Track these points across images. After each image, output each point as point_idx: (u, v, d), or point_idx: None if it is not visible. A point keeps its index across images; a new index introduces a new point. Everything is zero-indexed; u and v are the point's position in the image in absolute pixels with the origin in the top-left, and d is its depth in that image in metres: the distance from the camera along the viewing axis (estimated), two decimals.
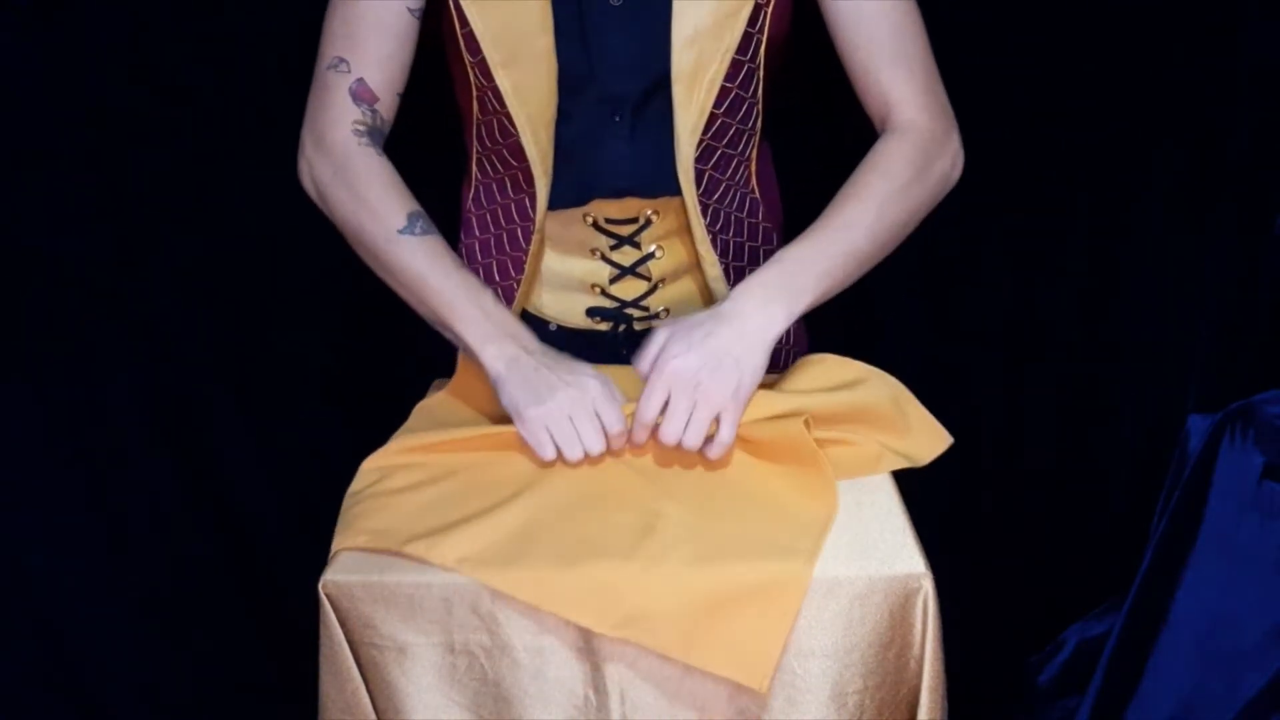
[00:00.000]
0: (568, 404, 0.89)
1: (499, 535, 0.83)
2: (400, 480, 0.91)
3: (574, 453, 0.89)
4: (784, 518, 0.84)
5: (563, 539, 0.82)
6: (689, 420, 0.87)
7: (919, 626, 0.79)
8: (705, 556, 0.79)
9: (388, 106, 1.03)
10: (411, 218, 0.97)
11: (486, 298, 0.96)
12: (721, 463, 0.90)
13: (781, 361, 1.21)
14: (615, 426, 0.89)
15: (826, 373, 0.96)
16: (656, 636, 0.76)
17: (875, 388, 0.94)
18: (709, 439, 0.89)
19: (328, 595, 0.80)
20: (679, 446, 0.88)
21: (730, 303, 0.91)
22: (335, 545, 0.85)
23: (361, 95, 1.00)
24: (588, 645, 0.79)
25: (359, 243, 1.00)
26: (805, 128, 1.30)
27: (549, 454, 0.89)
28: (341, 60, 1.00)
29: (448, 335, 0.98)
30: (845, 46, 1.03)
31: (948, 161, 1.02)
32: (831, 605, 0.77)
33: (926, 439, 0.93)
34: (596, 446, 0.89)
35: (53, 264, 1.22)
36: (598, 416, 0.89)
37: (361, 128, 1.01)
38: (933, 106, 1.02)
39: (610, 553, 0.80)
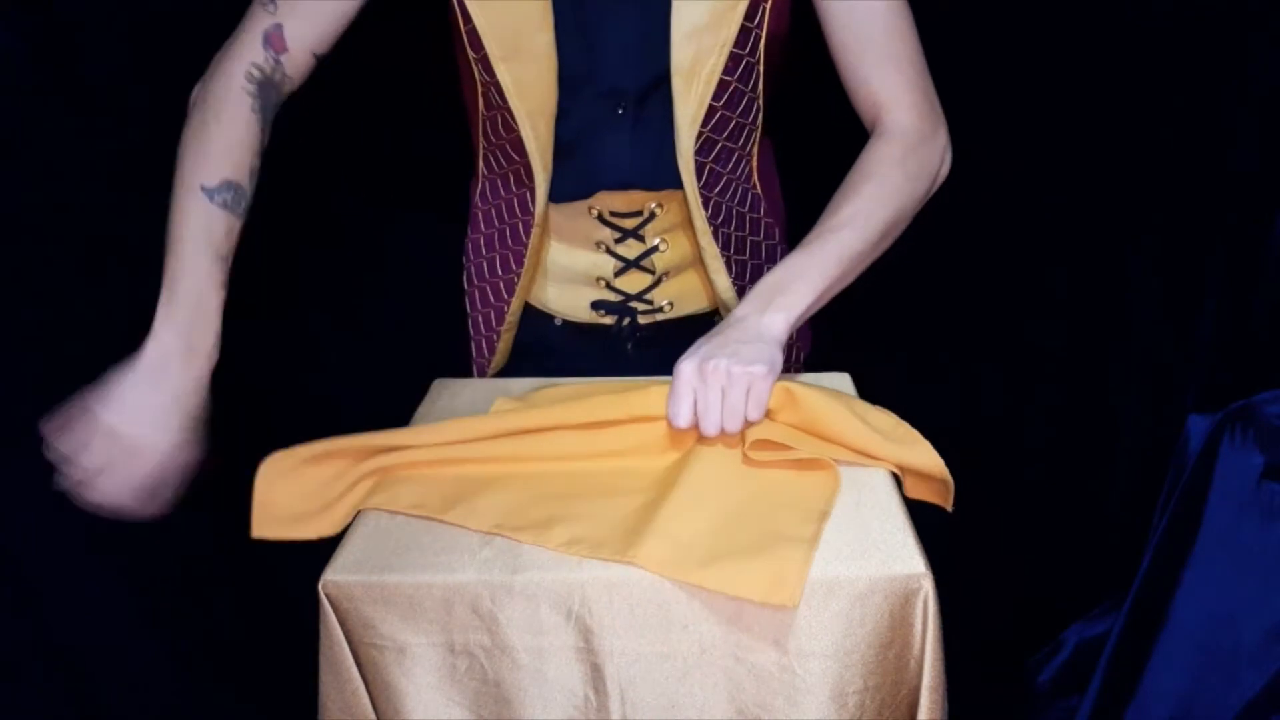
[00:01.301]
0: (100, 448, 0.87)
1: (525, 499, 0.86)
2: (405, 457, 0.92)
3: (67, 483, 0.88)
4: (793, 482, 0.88)
5: (584, 499, 0.86)
6: (724, 408, 0.87)
7: (919, 626, 0.79)
8: (727, 504, 0.83)
9: (296, 64, 1.00)
10: (224, 184, 0.95)
11: (211, 299, 0.93)
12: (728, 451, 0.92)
13: (790, 357, 1.22)
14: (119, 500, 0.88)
15: (869, 415, 0.95)
16: (704, 576, 0.77)
17: (905, 442, 0.93)
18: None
19: (328, 595, 0.80)
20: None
21: (732, 314, 0.93)
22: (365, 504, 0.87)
23: (272, 41, 0.98)
24: (587, 645, 0.79)
25: (174, 179, 0.96)
26: (808, 125, 1.30)
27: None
28: (272, 1, 0.98)
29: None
30: (837, 46, 1.04)
31: (936, 160, 1.04)
32: (831, 605, 0.77)
33: (925, 485, 0.93)
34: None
35: (53, 262, 1.22)
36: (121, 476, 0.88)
37: (255, 73, 0.98)
38: (921, 106, 1.04)
39: (641, 507, 0.84)
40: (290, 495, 0.91)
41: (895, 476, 0.91)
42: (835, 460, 0.90)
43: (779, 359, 0.90)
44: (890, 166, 1.00)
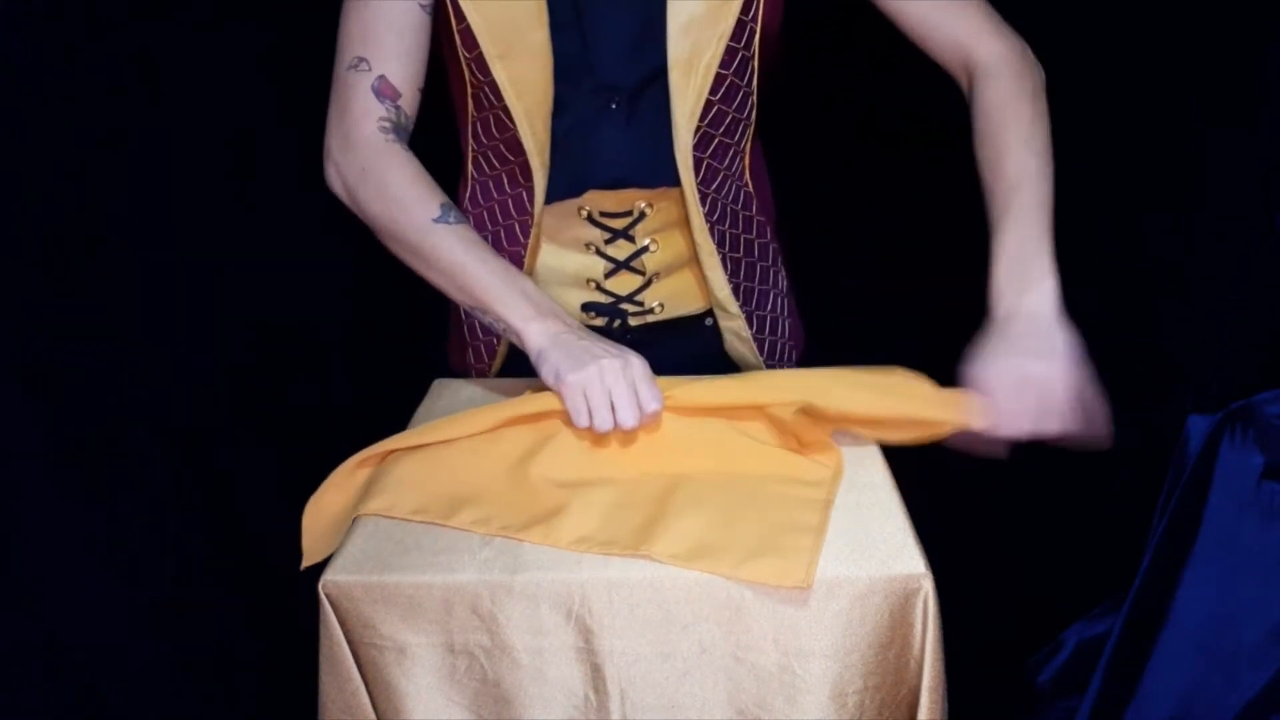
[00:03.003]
0: (609, 374, 0.89)
1: (528, 499, 0.86)
2: (404, 460, 0.93)
3: (605, 422, 0.89)
4: (796, 466, 0.89)
5: (592, 496, 0.86)
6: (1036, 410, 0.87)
7: (919, 626, 0.79)
8: (732, 496, 0.85)
9: (410, 102, 1.04)
10: (444, 208, 0.99)
11: (525, 281, 0.98)
12: (726, 444, 0.92)
13: (779, 356, 1.22)
14: (652, 405, 0.89)
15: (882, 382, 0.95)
16: (717, 564, 0.79)
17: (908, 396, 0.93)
18: None
19: (328, 595, 0.80)
20: None
21: (1000, 309, 0.92)
22: (361, 509, 0.87)
23: (384, 92, 1.02)
24: (588, 645, 0.79)
25: (392, 236, 1.01)
26: (797, 125, 1.30)
27: (583, 421, 0.89)
28: (361, 60, 1.01)
29: (487, 319, 0.99)
30: (901, 5, 1.05)
31: (1039, 72, 1.05)
32: (831, 605, 0.77)
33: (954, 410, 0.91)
34: (630, 420, 0.89)
35: (53, 262, 1.22)
36: (635, 392, 0.89)
37: (387, 124, 1.02)
38: (1003, 30, 1.05)
39: (649, 502, 0.85)
40: (324, 519, 0.92)
41: (895, 477, 0.91)
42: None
43: (1067, 339, 0.89)
44: (1017, 102, 1.01)
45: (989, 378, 0.88)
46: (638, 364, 0.91)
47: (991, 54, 1.04)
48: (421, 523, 0.86)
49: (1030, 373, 0.86)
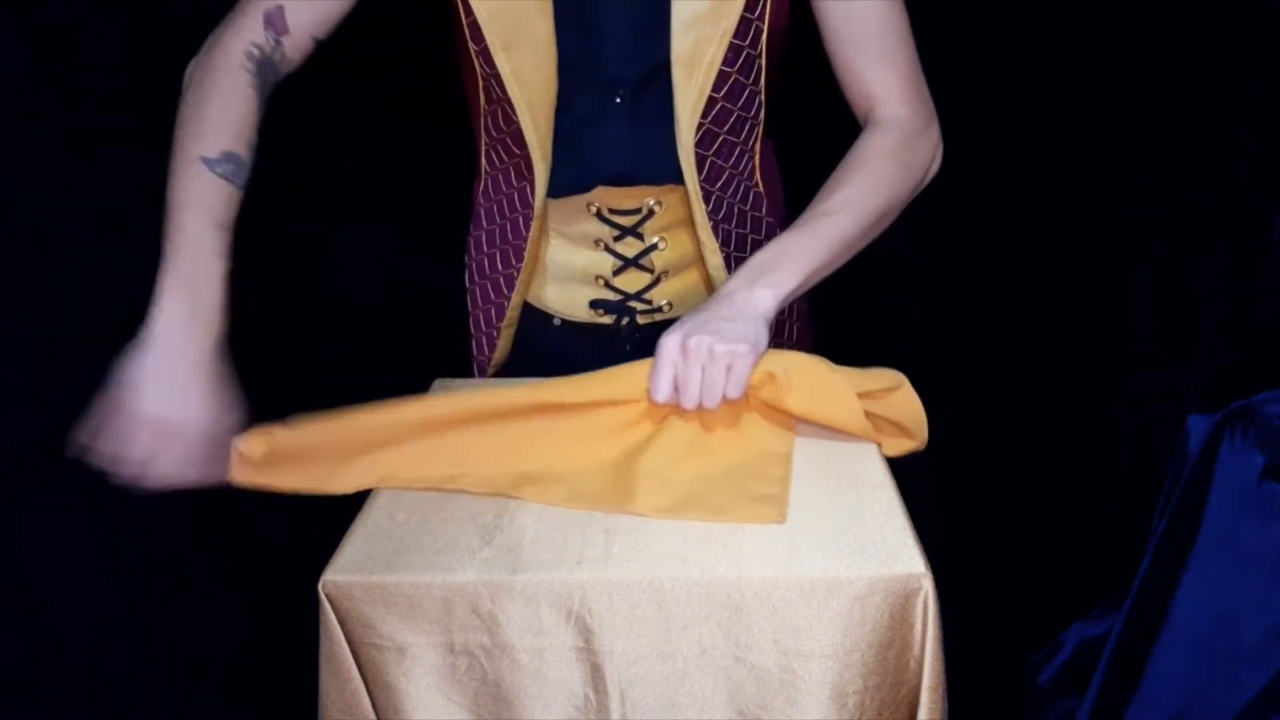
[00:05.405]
0: (141, 438, 0.86)
1: (521, 461, 0.90)
2: (404, 433, 0.94)
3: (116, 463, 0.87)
4: (755, 429, 0.93)
5: (576, 458, 0.90)
6: (702, 384, 0.88)
7: (919, 626, 0.79)
8: (702, 452, 0.90)
9: (296, 46, 1.00)
10: (225, 156, 0.94)
11: (214, 268, 0.92)
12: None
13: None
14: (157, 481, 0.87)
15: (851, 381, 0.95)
16: (697, 512, 0.83)
17: (882, 401, 0.94)
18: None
19: (328, 595, 0.80)
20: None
21: (721, 288, 0.94)
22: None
23: (274, 21, 0.98)
24: (587, 645, 0.79)
25: (173, 150, 0.96)
26: (814, 126, 1.30)
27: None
28: None
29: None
30: (832, 41, 1.05)
31: (929, 153, 1.05)
32: (832, 606, 0.77)
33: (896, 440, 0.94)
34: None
35: (54, 262, 1.22)
36: (154, 458, 0.87)
37: (255, 51, 0.98)
38: (915, 100, 1.05)
39: (627, 460, 0.89)
40: (276, 450, 0.91)
41: (895, 478, 0.91)
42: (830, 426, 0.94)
43: (764, 336, 0.90)
44: (883, 156, 1.01)
45: (667, 343, 0.88)
46: (185, 429, 0.88)
47: (891, 115, 1.04)
48: (421, 489, 0.89)
49: (705, 346, 0.86)
